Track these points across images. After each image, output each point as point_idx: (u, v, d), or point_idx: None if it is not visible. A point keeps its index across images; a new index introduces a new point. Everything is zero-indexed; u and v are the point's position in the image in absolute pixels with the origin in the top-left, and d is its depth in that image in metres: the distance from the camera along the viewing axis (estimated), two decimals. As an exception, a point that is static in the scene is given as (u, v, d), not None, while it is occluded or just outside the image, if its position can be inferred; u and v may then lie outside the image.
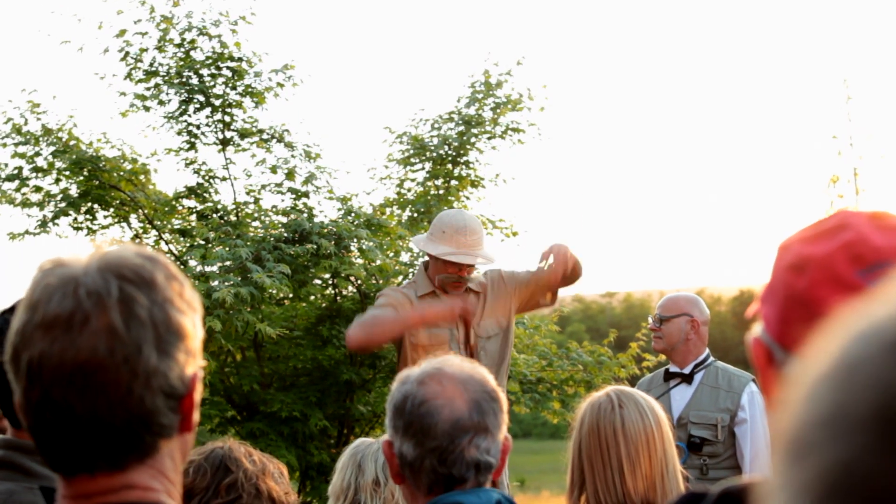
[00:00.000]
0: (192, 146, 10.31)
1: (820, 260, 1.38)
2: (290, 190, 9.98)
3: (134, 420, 1.55)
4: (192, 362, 1.64)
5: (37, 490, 2.50)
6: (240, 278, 8.14)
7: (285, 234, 9.18)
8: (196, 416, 1.67)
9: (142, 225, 10.43)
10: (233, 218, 10.03)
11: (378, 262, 9.33)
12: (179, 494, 1.69)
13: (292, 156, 10.15)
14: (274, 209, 10.08)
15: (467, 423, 2.46)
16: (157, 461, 1.62)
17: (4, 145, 9.95)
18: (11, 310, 2.62)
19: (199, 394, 1.67)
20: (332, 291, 10.35)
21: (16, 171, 9.98)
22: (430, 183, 11.03)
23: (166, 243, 10.33)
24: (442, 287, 6.24)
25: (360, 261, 9.39)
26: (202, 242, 9.22)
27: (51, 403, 1.52)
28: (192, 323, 1.65)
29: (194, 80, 9.96)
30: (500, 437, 2.54)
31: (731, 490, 1.39)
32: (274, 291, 8.71)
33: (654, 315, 6.38)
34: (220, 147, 10.25)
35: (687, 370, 6.27)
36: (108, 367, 1.51)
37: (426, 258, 6.47)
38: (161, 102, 10.17)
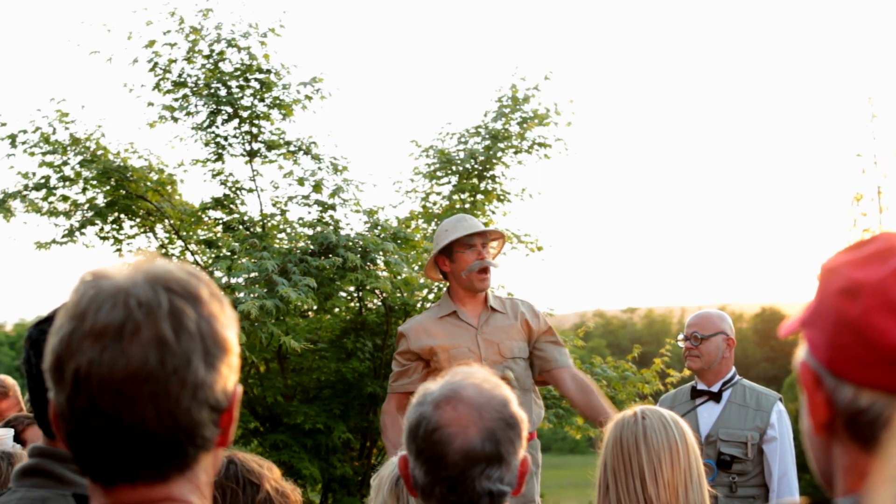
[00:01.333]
0: (220, 157, 10.33)
1: (873, 286, 1.36)
2: (317, 202, 9.98)
3: (180, 431, 1.56)
4: (234, 377, 1.65)
5: (70, 497, 2.51)
6: (265, 290, 8.14)
7: (311, 247, 9.18)
8: (233, 430, 1.67)
9: (168, 235, 10.46)
10: (259, 230, 10.04)
11: (403, 276, 9.33)
12: None
13: (319, 168, 10.16)
14: (300, 221, 10.09)
15: (479, 453, 2.43)
16: (195, 474, 1.63)
17: (32, 154, 9.97)
18: (48, 320, 2.63)
19: (238, 409, 1.67)
20: (357, 304, 10.35)
21: (43, 180, 10.00)
22: (455, 197, 11.01)
23: (192, 254, 10.35)
24: (470, 286, 6.26)
25: (385, 274, 9.39)
26: (227, 254, 9.23)
27: (98, 412, 1.53)
28: (234, 337, 1.66)
29: (222, 92, 9.98)
30: (517, 463, 2.51)
31: None
32: (299, 304, 8.72)
33: (690, 333, 6.35)
34: (247, 159, 10.26)
35: (715, 388, 6.25)
36: (158, 377, 1.52)
37: (446, 283, 6.50)
38: (189, 114, 10.20)
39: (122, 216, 10.27)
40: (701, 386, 6.32)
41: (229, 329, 1.65)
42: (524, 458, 2.54)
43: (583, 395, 6.31)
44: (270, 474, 3.20)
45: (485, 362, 6.01)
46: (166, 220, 10.31)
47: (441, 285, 9.62)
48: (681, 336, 6.44)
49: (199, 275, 1.65)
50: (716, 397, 6.22)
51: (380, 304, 10.09)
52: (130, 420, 1.52)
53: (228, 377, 1.63)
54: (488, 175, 11.02)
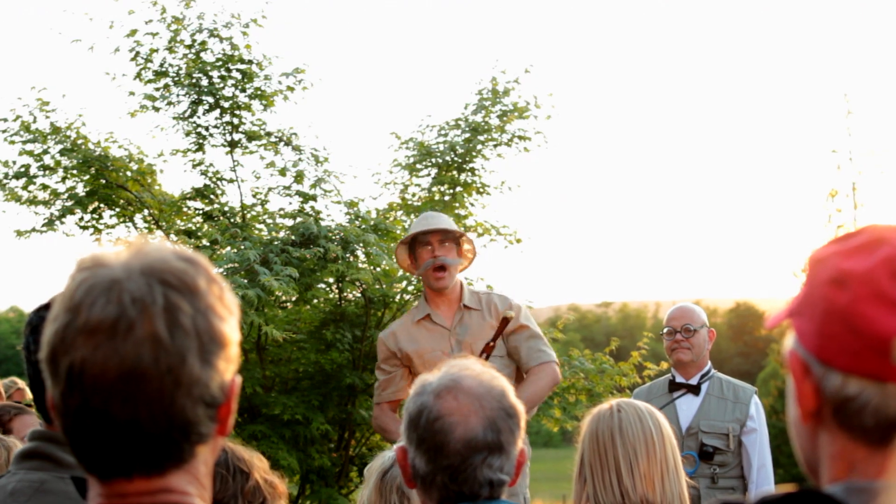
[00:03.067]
0: (200, 147, 10.32)
1: (861, 275, 1.39)
2: (298, 193, 9.98)
3: (174, 429, 1.55)
4: (231, 369, 1.64)
5: (68, 479, 2.53)
6: (246, 280, 8.14)
7: (292, 238, 9.18)
8: (232, 420, 1.67)
9: (147, 225, 10.43)
10: (239, 220, 10.04)
11: (383, 267, 9.33)
12: (210, 498, 1.70)
13: (300, 159, 10.15)
14: (281, 212, 10.09)
15: (481, 442, 2.46)
16: (192, 466, 1.62)
17: (12, 142, 9.93)
18: (47, 307, 2.64)
19: (236, 400, 1.67)
20: (337, 295, 10.35)
21: (23, 169, 9.96)
22: (435, 189, 11.02)
23: (172, 244, 10.31)
24: (428, 284, 6.27)
25: (365, 265, 9.40)
26: (207, 244, 9.22)
27: (91, 410, 1.52)
28: (232, 328, 1.65)
29: (204, 82, 9.96)
30: (516, 453, 2.54)
31: (768, 499, 1.41)
32: (280, 294, 8.71)
33: (682, 326, 6.37)
34: (228, 149, 10.25)
35: (694, 381, 6.30)
36: (151, 376, 1.50)
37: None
38: (170, 103, 10.18)
39: (102, 205, 10.23)
40: (679, 379, 6.36)
41: (228, 320, 1.63)
42: (521, 448, 2.57)
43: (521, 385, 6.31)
44: (260, 463, 3.22)
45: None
46: (146, 210, 10.29)
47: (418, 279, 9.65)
48: (666, 329, 6.46)
49: (197, 261, 1.64)
50: (694, 390, 6.27)
51: (359, 295, 10.09)
52: (124, 419, 1.52)
53: (226, 371, 1.61)
54: (468, 168, 11.02)
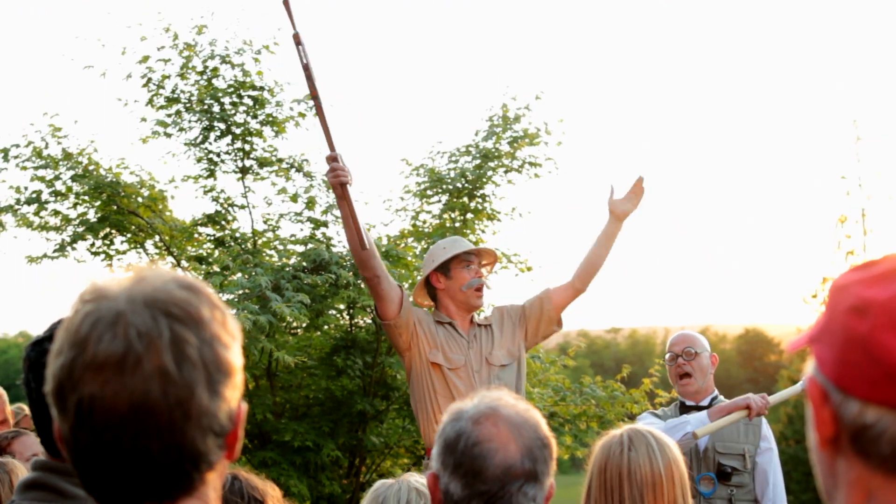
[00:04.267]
0: (212, 174, 10.34)
1: (882, 304, 1.38)
2: (310, 219, 10.00)
3: (185, 460, 1.55)
4: (237, 396, 1.63)
5: None
6: (258, 306, 8.14)
7: (304, 264, 9.18)
8: (239, 446, 1.67)
9: (158, 251, 10.45)
10: (250, 246, 10.05)
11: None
12: None
13: (311, 185, 10.17)
14: (292, 238, 10.10)
15: (519, 470, 2.46)
16: (202, 493, 1.61)
17: (24, 168, 9.98)
18: (45, 340, 2.64)
19: (243, 427, 1.67)
20: (348, 322, 10.35)
21: (35, 195, 10.00)
22: (446, 216, 11.03)
23: (183, 270, 10.33)
24: (466, 303, 6.25)
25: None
26: (218, 270, 9.23)
27: (102, 444, 1.52)
28: (237, 355, 1.64)
29: (216, 108, 9.99)
30: (548, 484, 2.54)
31: None
32: (291, 321, 8.70)
33: (683, 350, 6.36)
34: (239, 175, 10.27)
35: (705, 402, 6.29)
36: (161, 410, 1.50)
37: (431, 305, 6.45)
38: (182, 129, 10.21)
39: (113, 231, 10.27)
40: (689, 402, 6.35)
41: (232, 347, 1.62)
42: (552, 483, 2.57)
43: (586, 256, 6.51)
44: (273, 493, 3.21)
45: (476, 374, 6.03)
46: (157, 236, 10.31)
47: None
48: (668, 355, 6.45)
49: (198, 289, 1.62)
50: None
51: (370, 321, 10.09)
52: (135, 452, 1.52)
53: (232, 399, 1.61)
54: (478, 194, 11.04)
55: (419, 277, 6.45)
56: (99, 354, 1.50)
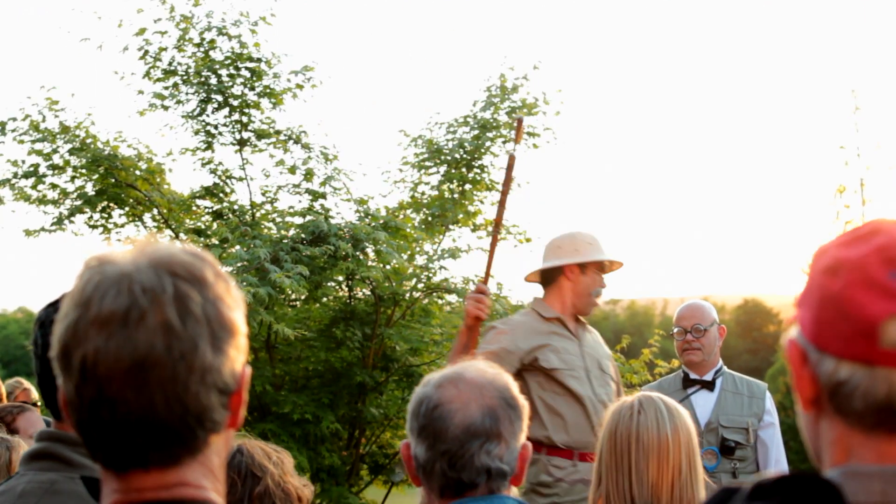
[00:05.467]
0: (210, 146, 10.34)
1: (853, 262, 1.42)
2: (308, 191, 10.00)
3: (189, 416, 1.55)
4: (242, 358, 1.64)
5: (78, 479, 2.52)
6: (257, 278, 8.14)
7: (302, 236, 9.18)
8: (243, 412, 1.67)
9: (157, 224, 10.44)
10: (248, 218, 10.05)
11: (393, 265, 9.35)
12: (224, 491, 1.70)
13: (309, 157, 10.17)
14: (290, 210, 10.10)
15: (479, 428, 2.48)
16: (206, 457, 1.62)
17: (22, 142, 9.95)
18: (56, 303, 2.64)
19: (247, 390, 1.67)
20: (347, 293, 10.36)
21: (32, 168, 9.98)
22: (444, 186, 11.03)
23: (181, 243, 10.31)
24: (585, 307, 6.08)
25: (376, 263, 9.41)
26: (217, 242, 9.23)
27: (106, 400, 1.51)
28: (241, 319, 1.65)
29: (213, 80, 9.98)
30: (517, 445, 2.54)
31: (763, 483, 1.42)
32: (290, 292, 8.71)
33: (692, 326, 6.32)
34: (237, 147, 10.27)
35: (708, 377, 6.28)
36: (165, 363, 1.51)
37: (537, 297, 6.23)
38: (179, 102, 10.20)
39: (111, 205, 10.26)
40: (693, 375, 6.35)
41: (236, 310, 1.63)
42: (525, 444, 2.57)
43: None
44: (276, 469, 3.19)
45: (590, 375, 5.89)
46: (155, 209, 10.30)
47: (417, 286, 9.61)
48: (676, 329, 6.41)
49: (203, 256, 1.63)
50: (709, 386, 6.25)
51: (369, 293, 10.10)
52: (139, 407, 1.51)
53: (236, 359, 1.61)
54: (476, 165, 11.04)
55: (546, 262, 6.11)
56: (103, 310, 1.51)
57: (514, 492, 2.61)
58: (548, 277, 6.07)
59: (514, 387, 2.60)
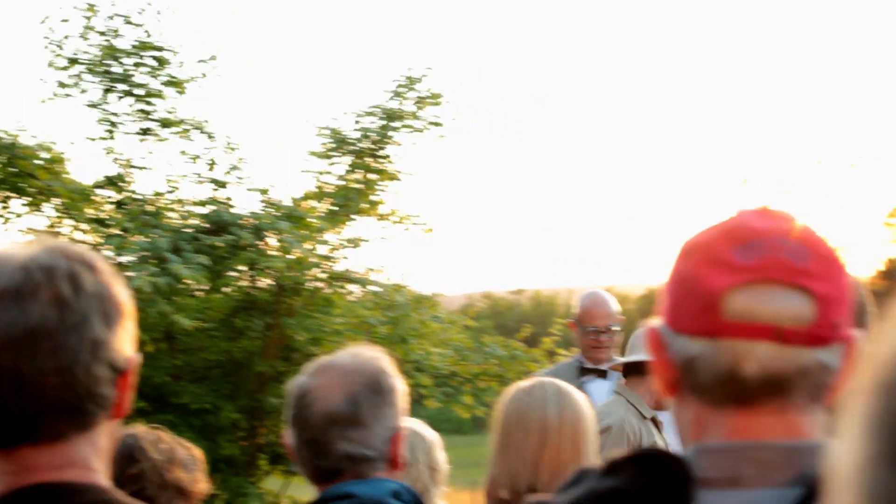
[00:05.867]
0: (112, 135, 10.24)
1: (703, 243, 1.48)
2: (211, 180, 9.96)
3: (79, 387, 1.60)
4: (131, 343, 1.70)
5: None
6: (157, 268, 8.10)
7: (205, 225, 9.15)
8: (129, 399, 1.71)
9: (58, 214, 10.32)
10: (151, 208, 9.98)
11: (296, 255, 9.36)
12: (108, 476, 1.74)
13: (213, 146, 10.13)
14: (193, 199, 10.05)
15: (340, 415, 2.47)
16: (96, 437, 1.66)
17: (-82, 130, 9.79)
18: None
19: (135, 377, 1.72)
20: (249, 283, 10.34)
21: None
22: (350, 177, 11.04)
23: (83, 233, 10.23)
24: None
25: (278, 253, 9.40)
26: (118, 233, 9.16)
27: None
28: (130, 305, 1.71)
29: (117, 69, 9.89)
30: (383, 429, 2.53)
31: (617, 460, 1.45)
32: (190, 282, 8.68)
33: (606, 326, 6.31)
34: (140, 136, 10.19)
35: (604, 367, 6.35)
36: (57, 333, 1.56)
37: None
38: (83, 91, 10.10)
39: (11, 194, 10.12)
40: (588, 365, 6.40)
41: (125, 296, 1.69)
42: (398, 427, 2.57)
43: None
44: (161, 457, 3.15)
45: None
46: (56, 199, 10.17)
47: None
48: (591, 328, 6.37)
49: (95, 255, 1.70)
50: (602, 374, 6.32)
51: (272, 283, 10.09)
52: (31, 375, 1.56)
53: (126, 340, 1.67)
54: (382, 155, 11.05)
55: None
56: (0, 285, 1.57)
57: (401, 476, 2.61)
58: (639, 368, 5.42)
59: (386, 372, 2.59)
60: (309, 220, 9.77)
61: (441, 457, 3.65)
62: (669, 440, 3.92)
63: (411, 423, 3.50)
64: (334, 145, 11.04)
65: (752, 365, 1.40)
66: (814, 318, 1.39)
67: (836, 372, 1.42)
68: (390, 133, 10.90)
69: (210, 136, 10.18)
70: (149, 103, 10.01)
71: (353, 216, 10.98)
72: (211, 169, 9.95)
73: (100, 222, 10.03)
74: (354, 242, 10.02)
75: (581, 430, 3.40)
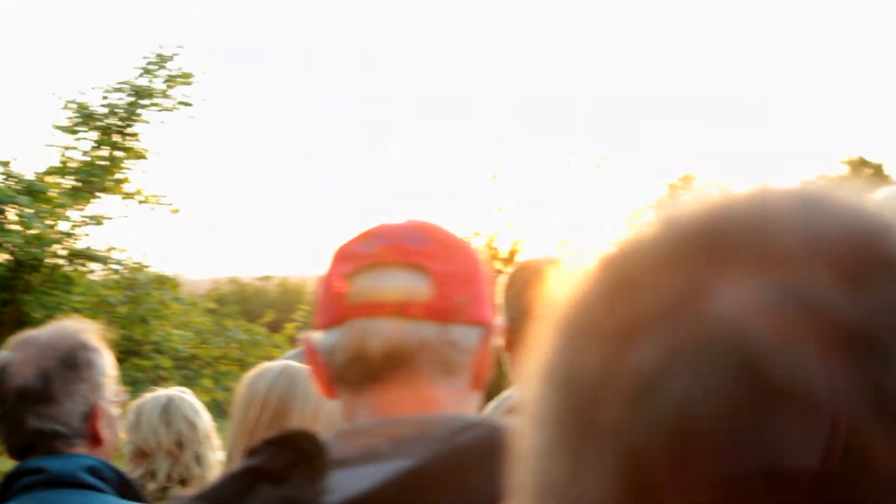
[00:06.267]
0: None
1: (340, 250, 1.57)
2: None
3: None
4: None
5: None
6: None
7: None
8: None
9: None
10: None
11: (36, 230, 9.15)
12: None
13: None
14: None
15: (29, 391, 2.46)
16: None
17: None
18: None
19: None
20: (-16, 258, 10.05)
21: None
22: (95, 153, 10.84)
23: None
24: None
25: (17, 227, 9.17)
26: None
27: None
28: None
29: None
30: (77, 405, 2.50)
31: (266, 440, 1.50)
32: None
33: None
34: None
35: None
36: None
37: None
38: None
39: None
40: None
41: None
42: (97, 404, 2.54)
43: None
44: None
45: None
46: None
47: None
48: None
49: None
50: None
51: (10, 258, 9.83)
52: None
53: None
54: (130, 132, 10.90)
55: None
56: None
57: (104, 452, 2.58)
58: None
59: (86, 346, 2.57)
60: (51, 194, 9.55)
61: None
62: None
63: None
64: (80, 120, 10.83)
65: (376, 341, 1.47)
66: (431, 293, 1.48)
67: (472, 352, 1.52)
68: (139, 111, 10.76)
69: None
70: None
71: (97, 193, 10.79)
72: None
73: None
74: (97, 220, 9.84)
75: (286, 403, 3.43)
